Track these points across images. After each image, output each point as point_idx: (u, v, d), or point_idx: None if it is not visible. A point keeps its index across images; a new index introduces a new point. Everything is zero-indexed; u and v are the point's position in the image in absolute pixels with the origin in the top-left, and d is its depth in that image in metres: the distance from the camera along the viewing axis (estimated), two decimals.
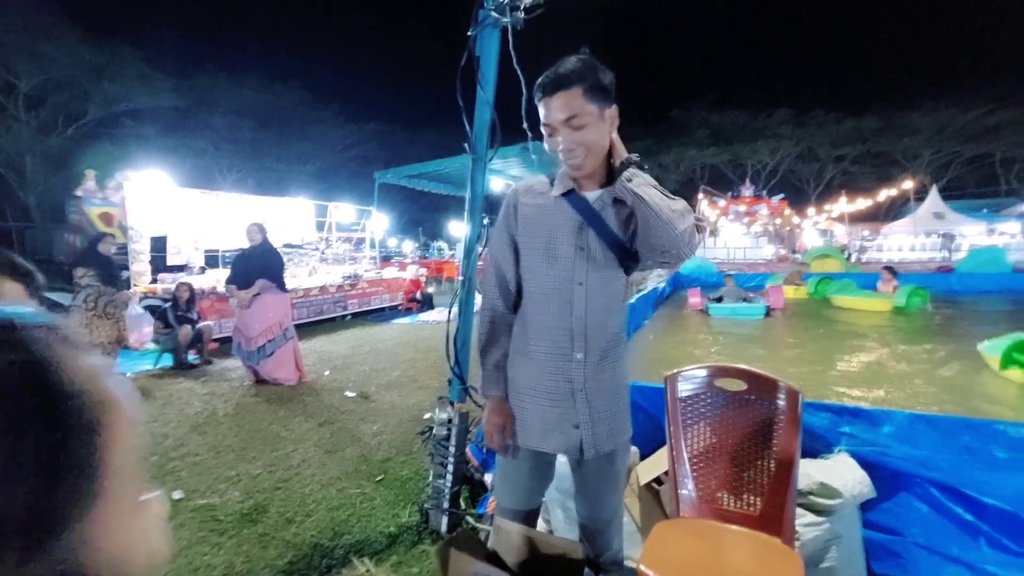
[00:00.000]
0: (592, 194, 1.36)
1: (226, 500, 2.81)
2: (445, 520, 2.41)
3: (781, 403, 1.66)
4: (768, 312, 8.16)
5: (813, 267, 13.14)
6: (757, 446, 1.70)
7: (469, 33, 2.25)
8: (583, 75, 1.24)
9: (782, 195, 25.02)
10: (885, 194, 22.50)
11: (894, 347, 6.01)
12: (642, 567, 1.40)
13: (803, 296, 10.04)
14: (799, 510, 1.74)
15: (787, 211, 23.93)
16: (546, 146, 1.33)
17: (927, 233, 20.58)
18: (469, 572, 1.22)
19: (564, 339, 1.36)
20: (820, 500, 1.75)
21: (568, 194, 1.37)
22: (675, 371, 1.82)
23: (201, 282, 7.46)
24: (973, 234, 20.38)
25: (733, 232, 22.63)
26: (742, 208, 23.33)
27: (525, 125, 3.94)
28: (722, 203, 23.96)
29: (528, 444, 1.42)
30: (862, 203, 22.54)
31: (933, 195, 21.72)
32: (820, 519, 1.74)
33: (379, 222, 12.63)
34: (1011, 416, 3.72)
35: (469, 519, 2.44)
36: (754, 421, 1.72)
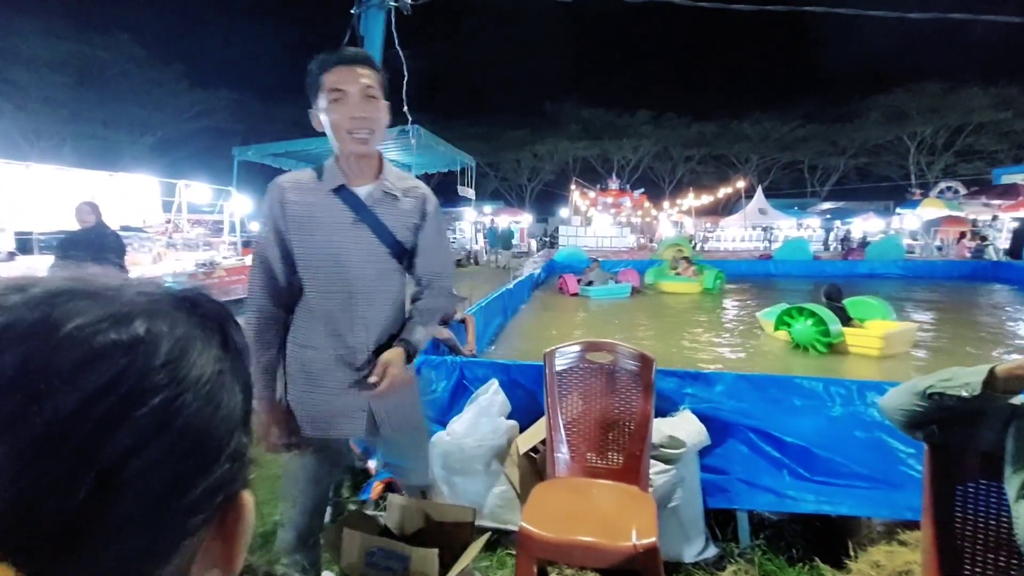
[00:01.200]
0: (363, 189, 1.39)
1: None
2: (328, 510, 2.37)
3: (639, 370, 1.93)
4: (633, 292, 9.26)
5: (665, 255, 14.75)
6: (619, 409, 1.96)
7: (352, 11, 2.20)
8: (377, 65, 1.36)
9: (643, 189, 27.51)
10: (723, 191, 25.86)
11: (708, 317, 7.82)
12: (524, 524, 1.56)
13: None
14: (652, 461, 2.04)
15: (646, 204, 26.37)
16: (323, 116, 1.33)
17: (753, 226, 24.12)
18: (364, 550, 1.27)
19: (347, 332, 1.40)
20: (668, 451, 2.06)
21: (339, 190, 1.38)
22: (552, 348, 2.01)
23: (11, 271, 6.21)
24: (787, 228, 24.36)
25: (602, 222, 24.38)
26: (609, 200, 25.19)
27: (406, 109, 3.92)
28: (592, 194, 25.64)
29: (318, 433, 1.44)
30: (706, 199, 25.66)
31: (758, 194, 25.45)
32: (668, 467, 2.05)
33: (240, 204, 11.48)
34: (782, 366, 5.15)
35: (352, 507, 2.44)
36: (617, 388, 1.97)
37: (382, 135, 1.37)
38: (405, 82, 2.85)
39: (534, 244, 25.01)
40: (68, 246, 4.51)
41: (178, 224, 10.54)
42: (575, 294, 9.33)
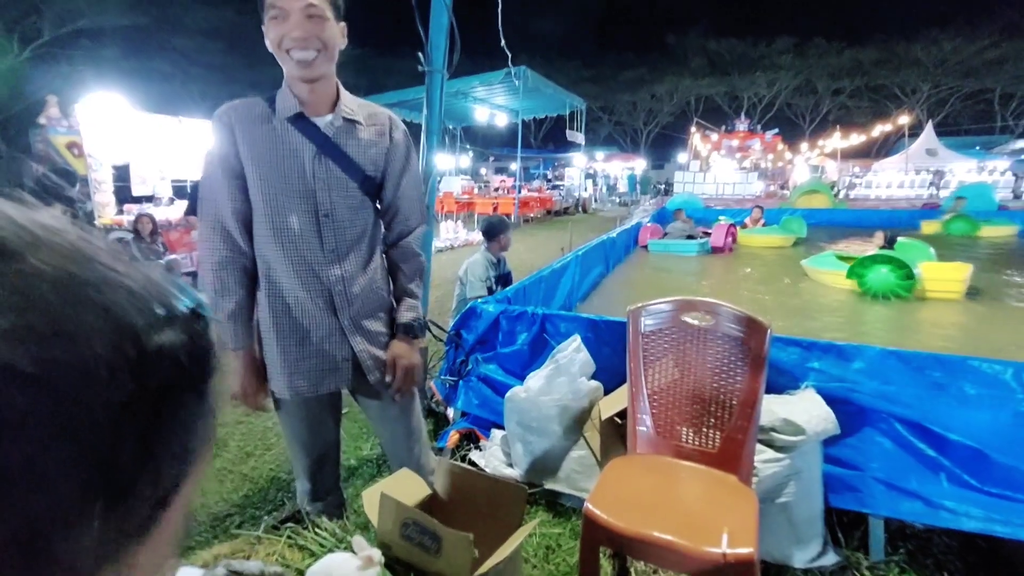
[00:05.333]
0: (322, 119, 1.27)
1: None
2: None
3: (747, 338, 1.56)
4: (710, 251, 8.03)
5: (799, 203, 12.98)
6: (720, 382, 1.62)
7: None
8: None
9: (776, 130, 24.43)
10: (880, 130, 22.00)
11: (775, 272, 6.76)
12: (589, 506, 1.34)
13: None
14: (759, 446, 1.69)
15: (780, 146, 23.44)
16: (274, 47, 1.19)
17: (917, 170, 20.35)
18: (400, 519, 1.14)
19: (320, 274, 1.28)
20: (782, 436, 1.69)
21: (296, 119, 1.24)
22: (639, 305, 1.71)
23: (170, 213, 7.12)
24: (963, 171, 20.19)
25: (724, 167, 22.19)
26: (735, 143, 22.79)
27: (504, 43, 3.60)
28: (715, 137, 23.36)
29: (303, 392, 1.34)
30: (856, 139, 22.07)
31: (928, 131, 21.29)
32: (780, 455, 1.69)
33: None
34: (856, 319, 4.87)
35: None
36: (719, 356, 1.63)
37: (331, 57, 1.22)
38: (499, 11, 2.55)
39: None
40: (198, 189, 4.98)
41: None
42: (644, 247, 8.23)
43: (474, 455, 2.31)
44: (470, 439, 2.46)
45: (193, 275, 6.08)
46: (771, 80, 31.29)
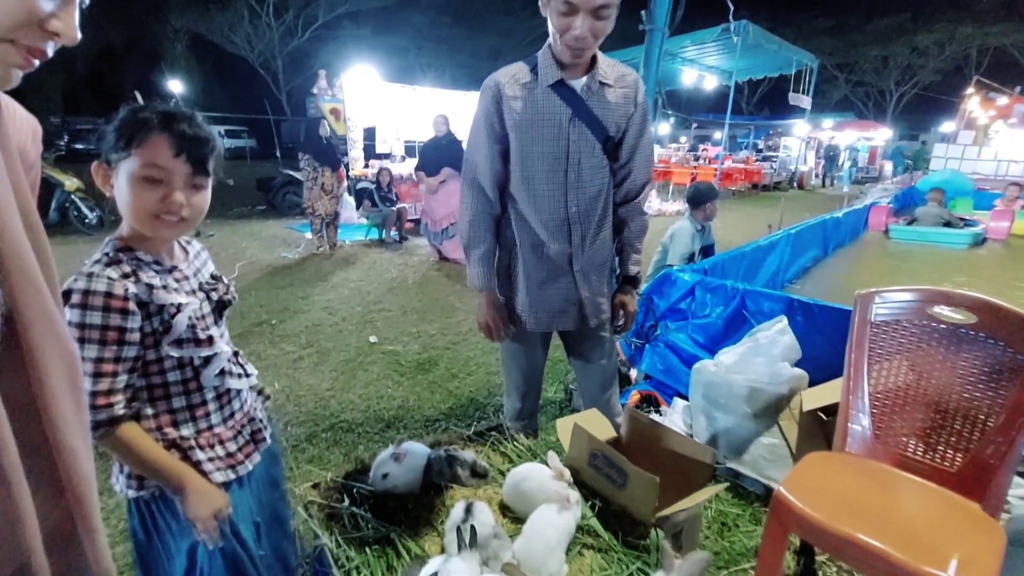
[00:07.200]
0: (578, 82, 1.35)
1: (408, 350, 3.34)
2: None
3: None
4: (983, 241, 6.15)
5: None
6: (973, 394, 1.36)
7: None
8: None
9: None
10: None
11: None
12: (781, 489, 1.28)
13: None
14: (1018, 479, 1.39)
15: None
16: (552, 25, 1.26)
17: None
18: (589, 450, 1.24)
19: (561, 227, 1.43)
20: None
21: (556, 84, 1.34)
22: (871, 290, 1.50)
23: (401, 169, 8.32)
24: None
25: (1013, 139, 17.09)
26: None
27: None
28: (1003, 101, 18.01)
29: (539, 327, 1.53)
30: None
31: None
32: None
33: None
34: None
35: None
36: (976, 364, 1.36)
37: (600, 41, 1.30)
38: None
39: (889, 167, 19.67)
40: (427, 151, 5.69)
41: None
42: (884, 231, 6.66)
43: (653, 418, 2.33)
44: (650, 402, 2.48)
45: (416, 222, 7.07)
46: None
